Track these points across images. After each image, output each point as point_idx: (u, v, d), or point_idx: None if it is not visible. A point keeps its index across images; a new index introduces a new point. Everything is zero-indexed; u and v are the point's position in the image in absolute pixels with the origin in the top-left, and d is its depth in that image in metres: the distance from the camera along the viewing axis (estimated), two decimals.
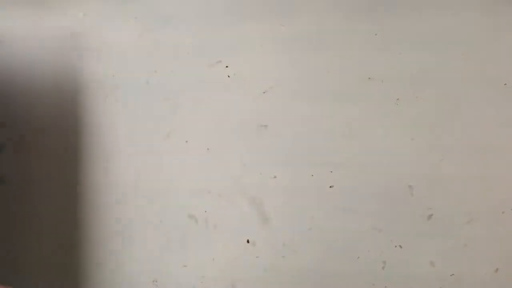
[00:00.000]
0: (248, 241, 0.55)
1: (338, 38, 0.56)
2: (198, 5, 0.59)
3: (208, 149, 0.57)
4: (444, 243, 0.51)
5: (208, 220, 0.56)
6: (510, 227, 0.50)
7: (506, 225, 0.50)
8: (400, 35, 0.53)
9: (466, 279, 0.50)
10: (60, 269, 0.60)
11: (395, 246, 0.52)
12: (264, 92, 0.56)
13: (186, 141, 0.57)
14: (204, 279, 0.56)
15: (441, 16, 0.52)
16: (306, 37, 0.56)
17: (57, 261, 0.60)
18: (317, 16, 0.56)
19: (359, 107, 0.54)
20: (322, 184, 0.54)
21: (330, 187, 0.54)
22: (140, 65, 0.59)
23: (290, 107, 0.56)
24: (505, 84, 0.51)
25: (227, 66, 0.57)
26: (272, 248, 0.55)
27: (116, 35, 0.60)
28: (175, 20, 0.58)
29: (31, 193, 0.60)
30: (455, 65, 0.52)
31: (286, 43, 0.56)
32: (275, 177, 0.55)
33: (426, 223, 0.51)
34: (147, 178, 0.58)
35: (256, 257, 0.55)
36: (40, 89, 0.61)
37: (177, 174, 0.57)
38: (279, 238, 0.54)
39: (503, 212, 0.51)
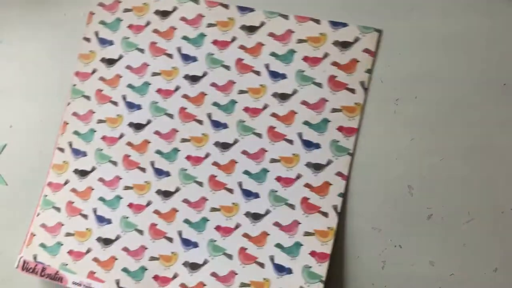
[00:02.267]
0: None
1: None
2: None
3: None
4: (443, 243, 0.51)
5: None
6: (509, 227, 0.50)
7: (505, 225, 0.50)
8: (400, 35, 0.53)
9: (465, 278, 0.50)
10: None
11: (395, 246, 0.52)
12: None
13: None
14: None
15: (441, 16, 0.52)
16: None
17: None
18: (317, 16, 0.56)
19: None
20: None
21: None
22: None
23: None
24: (504, 84, 0.51)
25: None
26: None
27: None
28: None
29: None
30: (455, 65, 0.52)
31: None
32: None
33: (425, 223, 0.51)
34: None
35: None
36: None
37: None
38: None
39: (502, 212, 0.51)
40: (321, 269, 0.49)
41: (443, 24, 0.52)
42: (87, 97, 0.57)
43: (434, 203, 0.51)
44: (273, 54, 0.53)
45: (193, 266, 0.53)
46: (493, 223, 0.51)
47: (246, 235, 0.52)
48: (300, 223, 0.51)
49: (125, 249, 0.55)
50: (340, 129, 0.51)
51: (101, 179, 0.56)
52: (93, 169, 0.56)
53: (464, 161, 0.51)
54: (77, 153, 0.57)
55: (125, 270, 0.54)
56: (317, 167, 0.51)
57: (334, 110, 0.51)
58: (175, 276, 0.53)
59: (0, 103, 0.64)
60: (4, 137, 0.63)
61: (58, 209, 0.56)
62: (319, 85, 0.52)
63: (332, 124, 0.51)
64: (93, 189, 0.56)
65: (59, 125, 0.61)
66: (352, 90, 0.51)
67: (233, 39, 0.54)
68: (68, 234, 0.56)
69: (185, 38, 0.55)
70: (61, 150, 0.57)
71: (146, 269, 0.54)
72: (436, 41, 0.52)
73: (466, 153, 0.51)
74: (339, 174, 0.51)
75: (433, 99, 0.52)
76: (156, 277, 0.54)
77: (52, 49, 0.63)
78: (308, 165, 0.51)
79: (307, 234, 0.50)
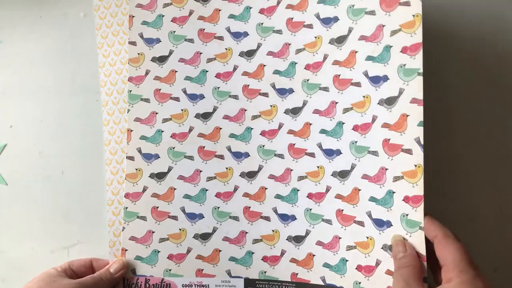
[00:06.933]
0: None
1: None
2: None
3: None
4: None
5: None
6: (509, 227, 0.50)
7: (505, 225, 0.50)
8: None
9: None
10: None
11: None
12: None
13: None
14: None
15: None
16: None
17: None
18: None
19: None
20: None
21: None
22: None
23: None
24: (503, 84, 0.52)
25: None
26: None
27: None
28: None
29: None
30: (454, 64, 0.52)
31: None
32: None
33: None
34: None
35: None
36: None
37: None
38: None
39: (503, 212, 0.51)
40: (418, 214, 0.46)
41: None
42: (146, 100, 0.56)
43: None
44: (320, 1, 0.52)
45: (297, 239, 0.51)
46: (493, 223, 0.50)
47: (339, 196, 0.50)
48: (387, 169, 0.48)
49: (226, 239, 0.53)
50: (404, 50, 0.47)
51: (181, 177, 0.54)
52: (170, 169, 0.55)
53: (464, 161, 0.52)
54: (149, 157, 0.55)
55: (232, 259, 0.52)
56: (390, 102, 0.47)
57: (393, 33, 0.48)
58: (282, 253, 0.52)
59: (0, 103, 0.63)
60: (4, 137, 0.63)
61: (143, 218, 0.54)
62: (372, 13, 0.49)
63: (395, 48, 0.47)
64: (175, 189, 0.54)
65: (59, 125, 0.61)
66: (406, 3, 0.47)
67: (278, 2, 0.53)
68: (162, 240, 0.54)
69: (231, 16, 0.55)
70: (131, 158, 0.55)
71: (253, 253, 0.52)
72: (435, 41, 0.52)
73: (466, 153, 0.51)
74: (413, 101, 0.46)
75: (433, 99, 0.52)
76: (265, 258, 0.52)
77: (51, 49, 0.63)
78: (380, 102, 0.48)
79: (396, 178, 0.47)
